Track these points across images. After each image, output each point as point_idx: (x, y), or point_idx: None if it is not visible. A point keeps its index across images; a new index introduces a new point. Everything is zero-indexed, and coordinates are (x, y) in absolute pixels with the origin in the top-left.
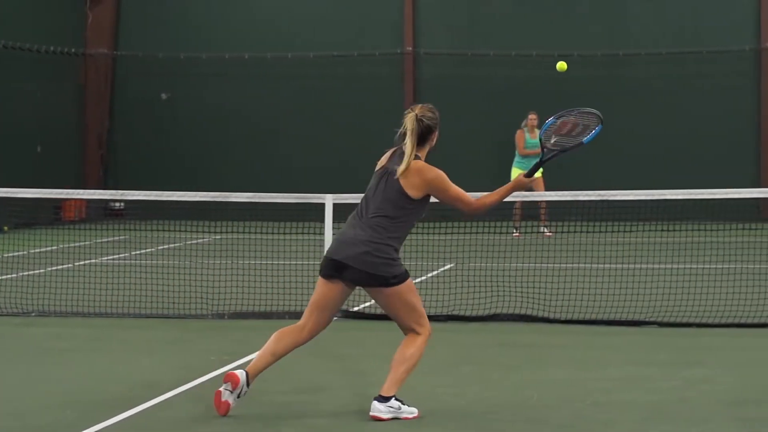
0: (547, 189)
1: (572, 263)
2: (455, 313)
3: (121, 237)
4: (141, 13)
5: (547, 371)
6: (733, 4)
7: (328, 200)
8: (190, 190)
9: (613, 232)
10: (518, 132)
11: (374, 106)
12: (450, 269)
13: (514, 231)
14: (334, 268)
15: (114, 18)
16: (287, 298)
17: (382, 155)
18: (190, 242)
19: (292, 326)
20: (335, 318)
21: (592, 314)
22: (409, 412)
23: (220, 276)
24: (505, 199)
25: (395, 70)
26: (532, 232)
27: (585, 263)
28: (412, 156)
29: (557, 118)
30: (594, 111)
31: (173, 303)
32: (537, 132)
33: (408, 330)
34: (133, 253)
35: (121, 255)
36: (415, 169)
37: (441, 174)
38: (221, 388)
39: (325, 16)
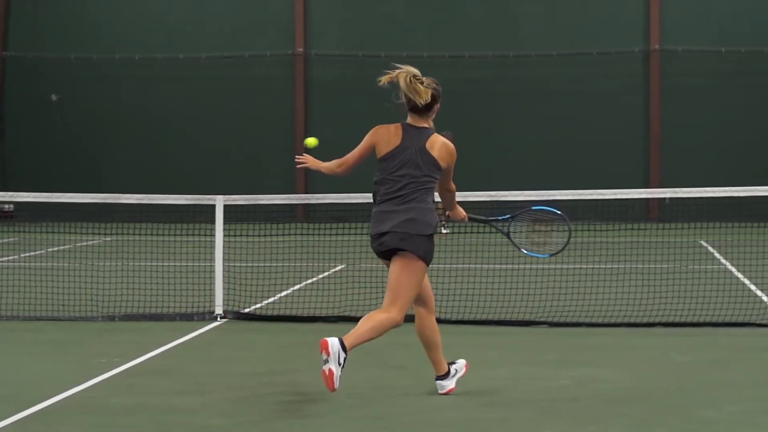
0: None
1: (463, 263)
2: (346, 314)
3: (10, 239)
4: (31, 14)
5: None
6: (623, 7)
7: (219, 201)
8: (81, 191)
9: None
10: None
11: (266, 108)
12: (341, 270)
13: None
14: (380, 242)
15: (3, 18)
16: (178, 299)
17: (366, 137)
18: (80, 244)
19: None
20: (226, 320)
21: (482, 314)
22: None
23: (111, 278)
24: None
25: (286, 71)
26: None
27: (475, 263)
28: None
29: (558, 215)
30: (567, 244)
31: (63, 305)
32: None
33: (386, 304)
34: (23, 255)
35: (10, 257)
36: (442, 143)
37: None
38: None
39: (217, 17)
